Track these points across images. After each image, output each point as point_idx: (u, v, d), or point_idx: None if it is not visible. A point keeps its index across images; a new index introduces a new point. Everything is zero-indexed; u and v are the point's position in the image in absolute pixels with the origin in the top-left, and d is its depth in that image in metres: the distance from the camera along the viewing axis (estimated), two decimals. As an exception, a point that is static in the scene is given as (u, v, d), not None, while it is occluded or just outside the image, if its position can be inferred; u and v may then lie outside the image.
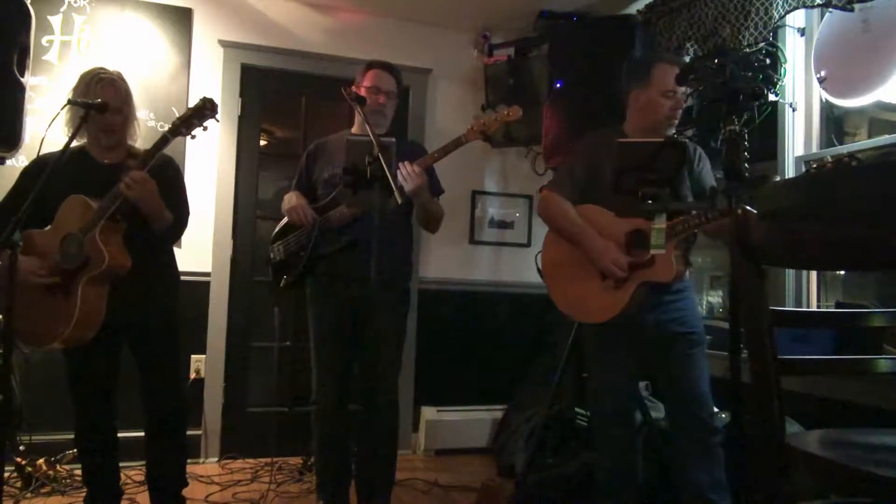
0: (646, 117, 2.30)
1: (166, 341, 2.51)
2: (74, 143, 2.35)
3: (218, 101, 3.50)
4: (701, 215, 2.08)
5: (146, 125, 3.36)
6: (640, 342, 2.30)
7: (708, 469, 2.16)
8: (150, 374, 2.49)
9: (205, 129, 2.33)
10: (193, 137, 2.33)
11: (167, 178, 2.42)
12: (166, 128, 2.34)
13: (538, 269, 2.50)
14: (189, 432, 3.45)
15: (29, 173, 2.38)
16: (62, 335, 2.18)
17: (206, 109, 2.30)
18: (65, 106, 2.28)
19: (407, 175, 2.38)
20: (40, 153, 2.28)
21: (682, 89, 2.23)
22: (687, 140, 2.45)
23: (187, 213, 2.55)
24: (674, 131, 2.36)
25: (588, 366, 2.52)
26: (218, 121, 2.39)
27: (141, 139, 2.54)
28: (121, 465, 2.55)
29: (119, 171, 2.26)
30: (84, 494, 2.52)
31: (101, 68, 2.41)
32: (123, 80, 2.42)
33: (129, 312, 2.33)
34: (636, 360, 2.37)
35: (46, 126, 2.25)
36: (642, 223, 2.16)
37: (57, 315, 2.20)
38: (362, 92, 2.53)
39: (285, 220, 2.68)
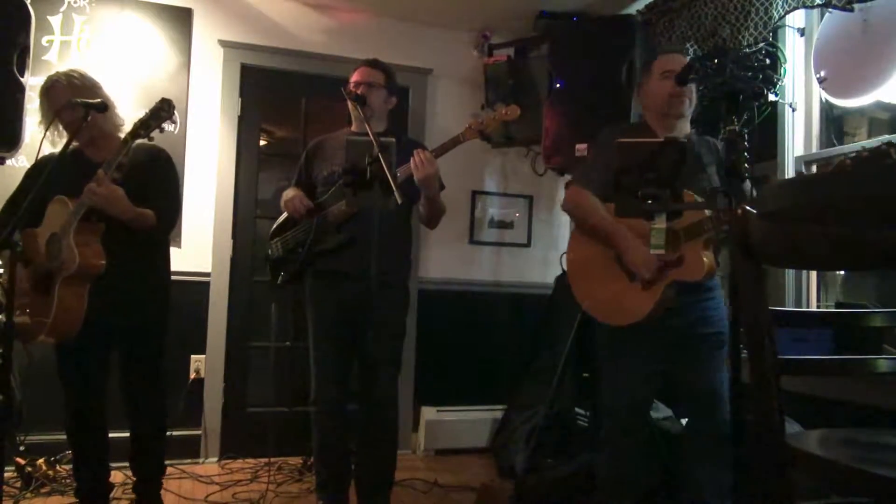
0: (654, 103, 2.34)
1: (146, 347, 2.49)
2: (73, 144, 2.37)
3: (218, 100, 3.61)
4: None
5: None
6: (662, 344, 2.21)
7: (715, 473, 2.12)
8: (128, 379, 2.49)
9: (161, 130, 2.30)
10: (151, 139, 2.31)
11: (152, 172, 2.41)
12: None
13: (563, 272, 2.46)
14: (189, 432, 3.49)
15: (31, 173, 2.42)
16: (44, 330, 2.22)
17: (161, 111, 2.28)
18: (64, 106, 2.30)
19: (420, 162, 2.37)
20: (40, 153, 2.29)
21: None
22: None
23: (175, 209, 2.52)
24: (685, 117, 2.34)
25: (602, 368, 2.41)
26: (175, 122, 2.35)
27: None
28: (119, 465, 2.57)
29: None
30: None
31: (48, 77, 2.41)
32: (70, 78, 2.39)
33: (111, 313, 2.32)
34: (655, 365, 2.26)
35: (46, 126, 2.26)
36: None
37: (40, 312, 2.24)
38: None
39: (284, 216, 2.68)
